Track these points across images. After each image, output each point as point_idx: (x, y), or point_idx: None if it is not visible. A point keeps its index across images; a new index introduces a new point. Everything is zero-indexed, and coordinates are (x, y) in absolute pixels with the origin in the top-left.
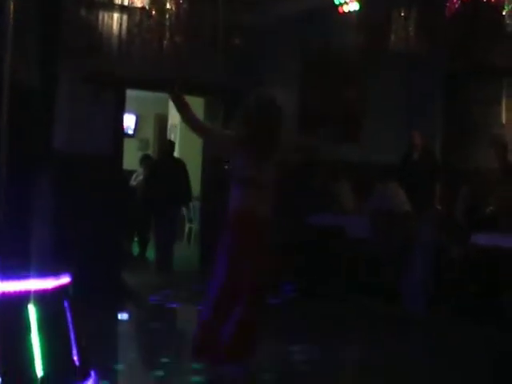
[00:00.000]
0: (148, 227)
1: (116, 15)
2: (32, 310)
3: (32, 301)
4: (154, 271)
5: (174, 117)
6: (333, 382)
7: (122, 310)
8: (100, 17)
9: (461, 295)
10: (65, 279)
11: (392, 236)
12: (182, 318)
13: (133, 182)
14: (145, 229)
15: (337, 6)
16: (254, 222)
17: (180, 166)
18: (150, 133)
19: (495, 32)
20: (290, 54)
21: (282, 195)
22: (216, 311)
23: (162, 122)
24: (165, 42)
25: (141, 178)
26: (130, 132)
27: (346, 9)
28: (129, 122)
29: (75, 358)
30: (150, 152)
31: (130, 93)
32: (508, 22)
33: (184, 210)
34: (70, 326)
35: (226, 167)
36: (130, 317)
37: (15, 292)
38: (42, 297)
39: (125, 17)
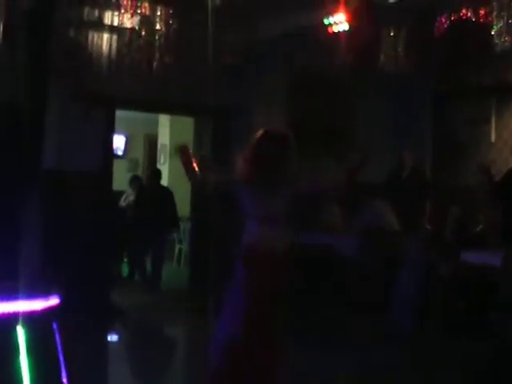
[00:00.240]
0: (138, 249)
1: (106, 35)
2: (20, 332)
3: (20, 322)
4: (141, 292)
5: (163, 137)
6: None
7: (111, 332)
8: (90, 37)
9: (449, 312)
10: (53, 301)
11: (381, 254)
12: (172, 339)
13: (122, 203)
14: (135, 250)
15: (326, 26)
16: (264, 257)
17: (167, 194)
18: (139, 153)
19: (484, 51)
20: (279, 74)
21: None
22: (229, 358)
23: (151, 143)
24: (154, 62)
25: (130, 198)
26: (120, 153)
27: (335, 29)
28: (118, 142)
29: (64, 380)
30: (139, 172)
31: (120, 113)
32: (497, 41)
33: (174, 231)
34: (59, 348)
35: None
36: (119, 338)
37: (3, 313)
38: (30, 318)
39: (115, 37)
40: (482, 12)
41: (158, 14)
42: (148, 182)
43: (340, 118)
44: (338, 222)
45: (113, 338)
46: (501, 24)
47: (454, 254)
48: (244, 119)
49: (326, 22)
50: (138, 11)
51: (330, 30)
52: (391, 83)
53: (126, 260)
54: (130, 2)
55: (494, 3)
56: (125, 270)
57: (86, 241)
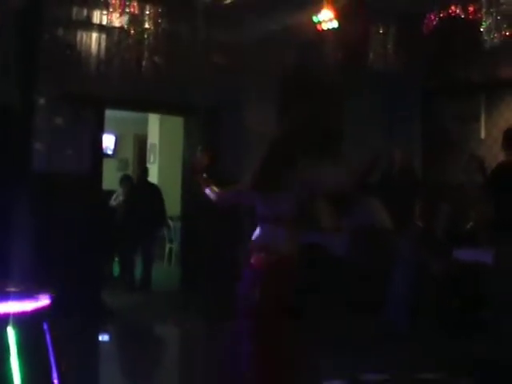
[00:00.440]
0: (128, 248)
1: (95, 35)
2: (11, 333)
3: (11, 323)
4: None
5: (153, 136)
6: None
7: (102, 332)
8: (78, 36)
9: (442, 310)
10: (44, 301)
11: (373, 252)
12: (162, 339)
13: (113, 202)
14: (125, 250)
15: (315, 24)
16: (271, 257)
17: (155, 191)
18: (129, 153)
19: (473, 48)
20: (270, 72)
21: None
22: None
23: (141, 142)
24: (143, 61)
25: (121, 198)
26: (110, 152)
27: (324, 27)
28: (108, 142)
29: (55, 381)
30: (129, 172)
31: (109, 113)
32: (486, 38)
33: (165, 231)
34: (50, 349)
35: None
36: (110, 339)
37: None
38: (21, 319)
39: (103, 36)
40: (470, 9)
41: (147, 13)
42: (137, 181)
43: (330, 117)
44: (329, 220)
45: (104, 338)
46: (490, 20)
47: (446, 251)
48: (234, 118)
49: (314, 19)
50: (127, 10)
51: (318, 27)
52: (380, 80)
53: (117, 259)
54: (118, 1)
55: (483, 0)
56: (116, 269)
57: (76, 241)
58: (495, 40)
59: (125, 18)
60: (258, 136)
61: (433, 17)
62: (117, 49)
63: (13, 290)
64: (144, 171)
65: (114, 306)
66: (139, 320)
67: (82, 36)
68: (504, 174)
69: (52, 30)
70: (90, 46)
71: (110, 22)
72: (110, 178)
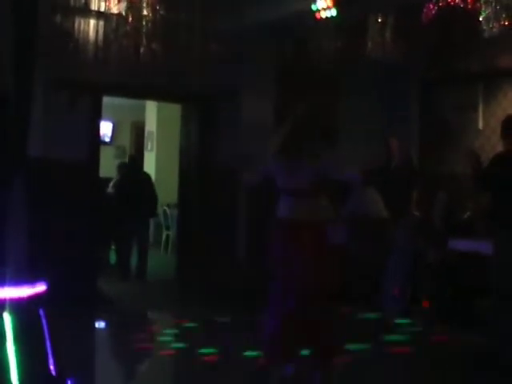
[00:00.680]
0: (119, 237)
1: (92, 21)
2: (7, 319)
3: (7, 309)
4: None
5: (150, 124)
6: None
7: (98, 319)
8: (76, 23)
9: (438, 299)
10: (40, 287)
11: (369, 242)
12: (159, 327)
13: (110, 190)
14: (119, 238)
15: (314, 12)
16: (297, 229)
17: (145, 179)
18: (126, 140)
19: (472, 38)
20: (267, 60)
21: (258, 203)
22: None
23: (138, 130)
24: (142, 48)
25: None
26: (107, 139)
27: (323, 15)
28: (105, 129)
29: (51, 367)
30: (126, 159)
31: (107, 100)
32: (485, 27)
33: (162, 218)
34: (46, 335)
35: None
36: (107, 326)
37: None
38: (17, 305)
39: (101, 23)
40: None
41: None
42: (127, 169)
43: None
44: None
45: (100, 325)
46: (488, 10)
47: (442, 241)
48: (231, 106)
49: (313, 7)
50: None
51: (317, 15)
52: (379, 70)
53: (113, 247)
54: None
55: None
56: (112, 257)
57: (73, 228)
58: (494, 30)
59: (123, 5)
60: (255, 124)
61: (432, 6)
62: (115, 36)
63: (9, 276)
64: (133, 159)
65: (111, 293)
66: (136, 307)
67: (79, 23)
68: (502, 164)
69: (50, 17)
70: (88, 32)
71: (108, 9)
72: (108, 166)
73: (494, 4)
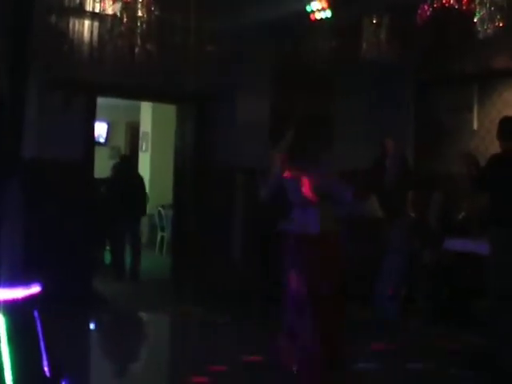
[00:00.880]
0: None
1: (87, 22)
2: (1, 320)
3: (1, 310)
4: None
5: (145, 124)
6: None
7: (93, 319)
8: (71, 23)
9: (433, 299)
10: (35, 289)
11: (365, 242)
12: (154, 327)
13: (102, 189)
14: (114, 237)
15: (309, 14)
16: (303, 240)
17: (135, 180)
18: (121, 141)
19: (466, 39)
20: (263, 60)
21: (253, 203)
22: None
23: (133, 130)
24: (136, 49)
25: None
26: (102, 140)
27: (317, 16)
28: (100, 130)
29: (46, 368)
30: None
31: (102, 100)
32: (479, 28)
33: (156, 219)
34: (41, 336)
35: None
36: (102, 326)
37: None
38: (11, 306)
39: (96, 23)
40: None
41: (140, 0)
42: (117, 169)
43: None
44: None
45: (95, 326)
46: (483, 11)
47: (438, 241)
48: (227, 106)
49: (308, 9)
50: None
51: (312, 17)
52: (374, 71)
53: (108, 248)
54: None
55: None
56: (107, 257)
57: (68, 228)
58: (489, 31)
59: (118, 6)
60: (250, 124)
61: (426, 7)
62: (109, 36)
63: (3, 277)
64: (124, 159)
65: (106, 293)
66: (130, 307)
67: (74, 23)
68: (500, 164)
69: (44, 17)
70: (83, 33)
71: (103, 10)
72: (102, 166)
73: (488, 5)
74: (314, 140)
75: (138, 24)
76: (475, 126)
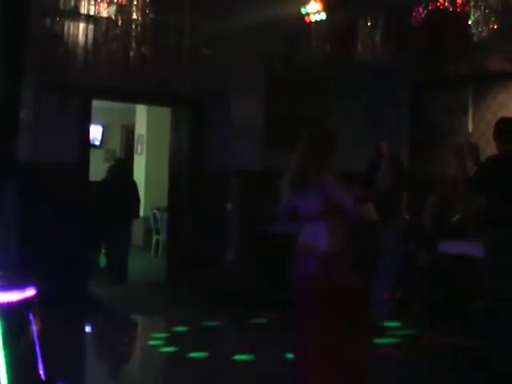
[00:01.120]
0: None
1: (82, 25)
2: None
3: None
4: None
5: (140, 127)
6: None
7: (89, 322)
8: (66, 26)
9: (428, 301)
10: (30, 292)
11: (359, 244)
12: (149, 331)
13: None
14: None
15: (304, 16)
16: (310, 255)
17: (130, 184)
18: (116, 144)
19: (461, 41)
20: (258, 63)
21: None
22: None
23: (128, 133)
24: (131, 51)
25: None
26: (97, 143)
27: (312, 18)
28: (95, 132)
29: (41, 371)
30: None
31: (97, 103)
32: (474, 31)
33: (151, 221)
34: (36, 340)
35: None
36: (97, 329)
37: None
38: (6, 310)
39: (91, 26)
40: (459, 1)
41: (135, 3)
42: (113, 171)
43: (316, 109)
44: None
45: (90, 329)
46: (478, 13)
47: (433, 243)
48: (221, 109)
49: (302, 11)
50: (115, 0)
51: (307, 19)
52: (369, 72)
53: (103, 251)
54: None
55: None
56: (102, 261)
57: (63, 231)
58: (483, 33)
59: (112, 9)
60: (245, 126)
61: (421, 9)
62: (104, 39)
63: None
64: (119, 162)
65: (101, 297)
66: (125, 310)
67: (69, 26)
68: (497, 166)
69: (39, 20)
70: (78, 36)
71: (98, 13)
72: (98, 169)
73: (482, 7)
74: (320, 157)
75: (133, 27)
76: (470, 127)
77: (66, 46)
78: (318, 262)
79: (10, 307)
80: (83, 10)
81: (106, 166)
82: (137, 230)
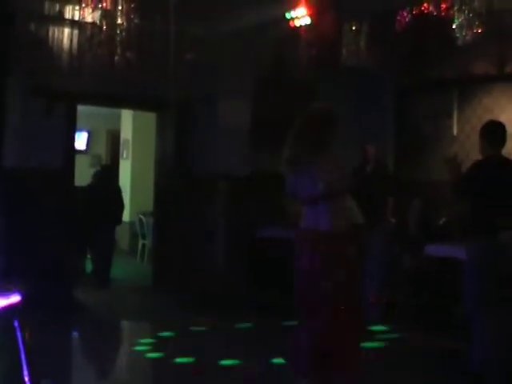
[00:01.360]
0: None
1: (67, 30)
2: None
3: None
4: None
5: (126, 132)
6: None
7: (74, 328)
8: (51, 31)
9: (414, 305)
10: (15, 298)
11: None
12: (134, 335)
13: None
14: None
15: (288, 20)
16: (310, 238)
17: (115, 189)
18: (102, 149)
19: (445, 45)
20: (244, 68)
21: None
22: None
23: (114, 138)
24: (116, 56)
25: None
26: (83, 148)
27: (297, 23)
28: (81, 138)
29: (26, 378)
30: None
31: (82, 109)
32: (458, 35)
33: (137, 226)
34: (21, 346)
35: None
36: (83, 334)
37: None
38: None
39: (76, 31)
40: (443, 6)
41: (120, 8)
42: (98, 176)
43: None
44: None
45: (76, 334)
46: (462, 18)
47: (418, 246)
48: (207, 113)
49: (287, 16)
50: (100, 5)
51: (291, 23)
52: (353, 77)
53: (89, 256)
54: None
55: None
56: (88, 266)
57: (48, 237)
58: (467, 37)
59: (97, 14)
60: (231, 131)
61: (405, 14)
62: (89, 44)
63: None
64: (105, 168)
65: (87, 302)
66: (111, 316)
67: (54, 31)
68: (482, 170)
69: (24, 25)
70: (63, 41)
71: (83, 18)
72: (83, 174)
73: (466, 12)
74: (317, 136)
75: (118, 32)
76: (455, 131)
77: (50, 51)
78: (321, 244)
79: None
80: (68, 15)
81: (91, 172)
82: (123, 235)
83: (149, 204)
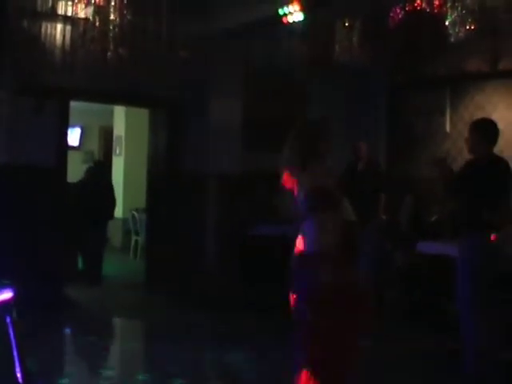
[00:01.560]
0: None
1: (59, 26)
2: None
3: None
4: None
5: (119, 128)
6: None
7: (66, 326)
8: (43, 27)
9: (405, 301)
10: (7, 295)
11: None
12: (127, 333)
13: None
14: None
15: (281, 17)
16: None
17: (107, 185)
18: (95, 145)
19: (438, 42)
20: (236, 65)
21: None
22: None
23: (107, 134)
24: (109, 53)
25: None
26: (75, 144)
27: (290, 19)
28: (74, 134)
29: (18, 374)
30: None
31: (75, 105)
32: (451, 31)
33: (130, 222)
34: (13, 343)
35: None
36: (74, 332)
37: None
38: None
39: (68, 27)
40: (436, 3)
41: (113, 4)
42: (91, 172)
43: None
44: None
45: (68, 331)
46: (455, 15)
47: (410, 243)
48: (199, 110)
49: (280, 12)
50: (92, 1)
51: (284, 20)
52: (346, 74)
53: (81, 253)
54: None
55: None
56: (80, 262)
57: (40, 233)
58: (460, 34)
59: (90, 9)
60: (223, 128)
61: (398, 11)
62: (82, 40)
63: None
64: (98, 164)
65: (78, 299)
66: (104, 312)
67: (46, 27)
68: (473, 170)
69: (16, 21)
70: (55, 37)
71: (75, 13)
72: (76, 171)
73: (459, 9)
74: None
75: (111, 28)
76: (448, 128)
77: (43, 47)
78: (306, 263)
79: None
80: (60, 11)
81: (84, 168)
82: (116, 232)
83: (142, 200)
